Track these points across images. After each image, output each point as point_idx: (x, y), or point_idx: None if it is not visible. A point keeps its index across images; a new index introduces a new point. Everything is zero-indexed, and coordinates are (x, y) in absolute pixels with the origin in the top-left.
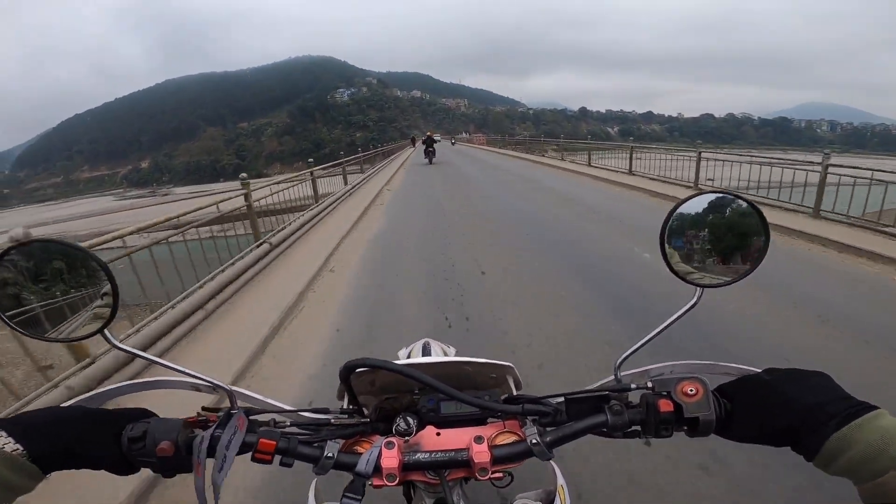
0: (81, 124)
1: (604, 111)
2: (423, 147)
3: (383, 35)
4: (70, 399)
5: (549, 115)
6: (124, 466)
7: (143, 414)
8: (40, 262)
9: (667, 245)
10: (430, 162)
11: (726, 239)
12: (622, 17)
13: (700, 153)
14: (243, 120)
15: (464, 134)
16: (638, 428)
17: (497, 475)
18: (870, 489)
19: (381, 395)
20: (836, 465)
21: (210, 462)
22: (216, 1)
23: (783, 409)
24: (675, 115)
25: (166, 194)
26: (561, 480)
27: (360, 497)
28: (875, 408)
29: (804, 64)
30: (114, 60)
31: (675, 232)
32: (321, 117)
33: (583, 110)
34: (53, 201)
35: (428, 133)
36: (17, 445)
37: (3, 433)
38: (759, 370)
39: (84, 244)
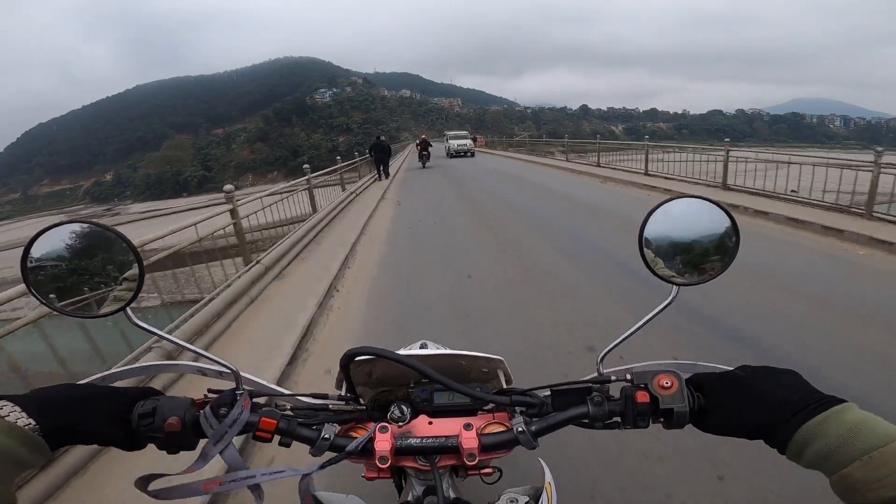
0: (45, 134)
1: (605, 109)
2: (418, 151)
3: (369, 36)
4: (84, 380)
5: (550, 114)
6: (132, 442)
7: (151, 392)
8: (72, 242)
9: (644, 246)
10: (424, 166)
11: (700, 240)
12: (620, 12)
13: (728, 151)
14: (219, 126)
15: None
16: (618, 419)
17: (487, 471)
18: (837, 481)
19: (377, 388)
20: (806, 458)
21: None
22: (193, 1)
23: (754, 404)
24: (680, 111)
25: (117, 214)
26: (549, 477)
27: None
28: (842, 401)
29: (797, 60)
30: (82, 65)
31: (653, 233)
32: (299, 121)
33: (584, 108)
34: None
35: (423, 137)
36: (30, 420)
37: (17, 408)
38: (735, 368)
39: None
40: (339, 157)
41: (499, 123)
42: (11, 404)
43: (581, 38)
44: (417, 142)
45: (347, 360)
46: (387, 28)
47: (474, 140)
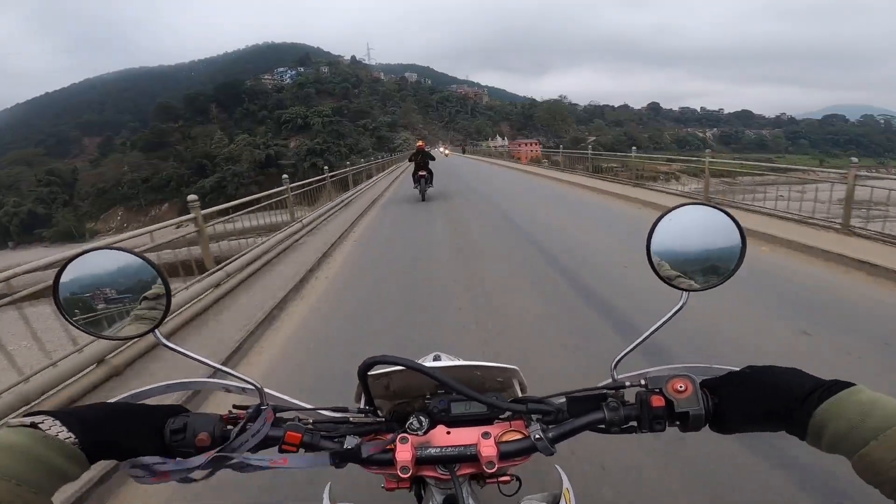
0: None
1: (677, 109)
2: (414, 169)
3: (370, 24)
4: (116, 397)
5: (612, 114)
6: (165, 457)
7: (181, 409)
8: (99, 267)
9: (653, 253)
10: (423, 198)
11: (708, 246)
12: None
13: None
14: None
15: (497, 141)
16: (634, 424)
17: (505, 479)
18: (857, 461)
19: (394, 399)
20: (825, 441)
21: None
22: None
23: (767, 396)
24: (779, 114)
25: None
26: (566, 483)
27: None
28: (852, 384)
29: (833, 61)
30: (23, 54)
31: (662, 240)
32: (225, 115)
33: (654, 107)
34: None
35: (419, 144)
36: (70, 434)
37: (58, 422)
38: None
39: None
40: (285, 177)
41: (554, 122)
42: (52, 419)
43: (612, 32)
44: (414, 153)
45: (365, 369)
46: (391, 14)
47: (462, 150)
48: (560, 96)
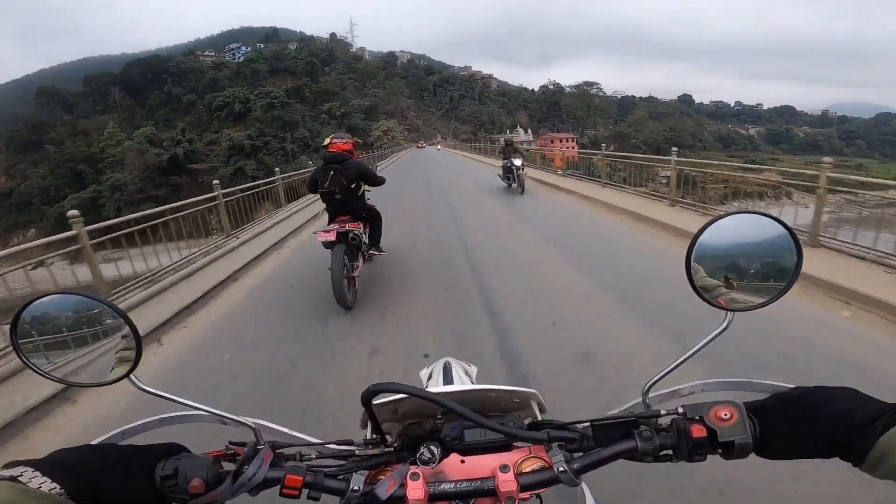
0: None
1: (708, 103)
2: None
3: (360, 17)
4: (101, 436)
5: (642, 105)
6: (158, 502)
7: (173, 449)
8: (60, 312)
9: (693, 268)
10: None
11: (758, 260)
12: None
13: None
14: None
15: (519, 135)
16: (669, 452)
17: (524, 496)
18: None
19: (403, 422)
20: (884, 469)
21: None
22: None
23: (821, 421)
24: (821, 110)
25: None
26: (591, 501)
27: None
28: None
29: (830, 58)
30: None
31: (704, 255)
32: (132, 102)
33: (685, 99)
34: None
35: (330, 144)
36: (54, 485)
37: (38, 474)
38: (791, 386)
39: None
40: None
41: (589, 113)
42: (32, 469)
43: (617, 21)
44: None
45: (369, 397)
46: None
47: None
48: (585, 83)
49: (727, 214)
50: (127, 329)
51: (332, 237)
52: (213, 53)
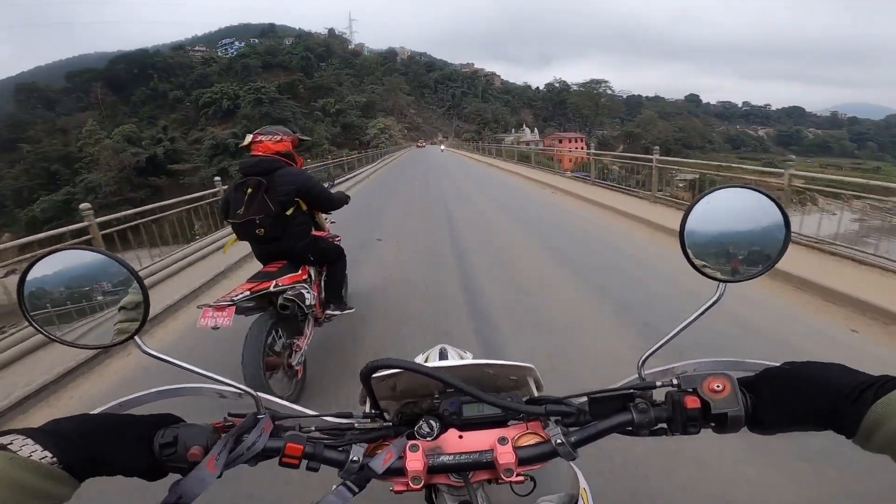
0: None
1: (715, 103)
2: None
3: (360, 13)
4: (101, 407)
5: (649, 104)
6: (155, 472)
7: (171, 419)
8: (71, 269)
9: (686, 241)
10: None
11: (747, 233)
12: None
13: None
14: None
15: (526, 134)
16: (664, 426)
17: (519, 479)
18: None
19: (401, 400)
20: (876, 441)
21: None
22: None
23: (815, 392)
24: (830, 111)
25: None
26: (583, 483)
27: (357, 490)
28: None
29: (836, 59)
30: None
31: (697, 227)
32: (115, 99)
33: (692, 99)
34: None
35: (253, 143)
36: (46, 453)
37: (30, 441)
38: (780, 364)
39: None
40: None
41: (597, 112)
42: (23, 437)
43: (619, 21)
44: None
45: (368, 373)
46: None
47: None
48: (593, 80)
49: (720, 188)
50: (136, 287)
51: (225, 318)
52: (203, 48)
